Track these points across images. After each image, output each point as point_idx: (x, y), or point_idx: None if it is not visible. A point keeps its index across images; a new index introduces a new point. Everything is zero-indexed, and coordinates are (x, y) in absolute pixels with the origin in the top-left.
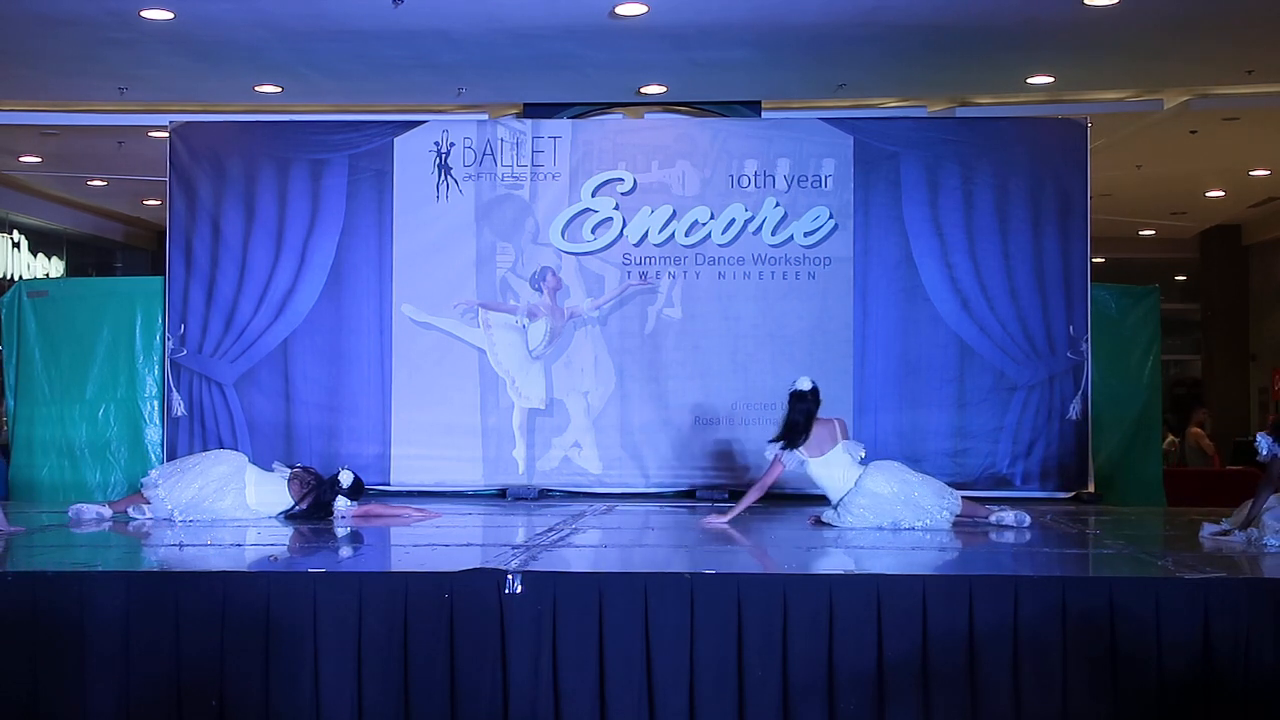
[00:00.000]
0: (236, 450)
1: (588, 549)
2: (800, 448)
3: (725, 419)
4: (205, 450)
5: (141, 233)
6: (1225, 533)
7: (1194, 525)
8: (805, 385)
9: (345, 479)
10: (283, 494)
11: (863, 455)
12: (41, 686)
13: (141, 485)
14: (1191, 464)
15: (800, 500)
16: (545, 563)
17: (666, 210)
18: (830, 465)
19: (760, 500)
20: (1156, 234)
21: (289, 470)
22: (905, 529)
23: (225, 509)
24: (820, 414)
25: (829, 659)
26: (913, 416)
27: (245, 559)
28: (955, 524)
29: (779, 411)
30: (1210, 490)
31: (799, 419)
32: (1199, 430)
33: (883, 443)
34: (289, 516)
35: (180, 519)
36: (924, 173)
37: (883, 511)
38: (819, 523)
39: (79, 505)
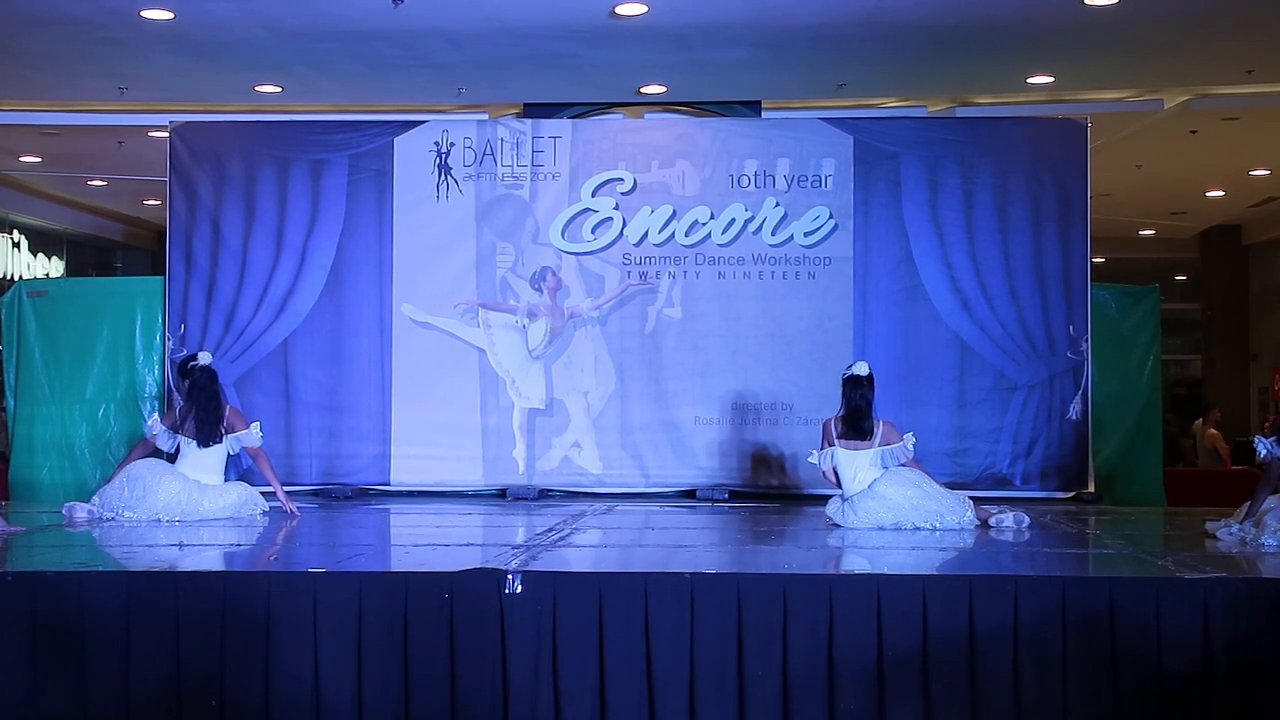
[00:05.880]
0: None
1: (588, 549)
2: (848, 440)
3: (726, 419)
4: None
5: (141, 233)
6: (1225, 526)
7: (1195, 525)
8: (862, 370)
9: (204, 358)
10: (196, 451)
11: (913, 443)
12: (41, 686)
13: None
14: (1204, 464)
15: (810, 500)
16: (545, 563)
17: (666, 210)
18: (855, 462)
19: (768, 499)
20: (1156, 234)
21: (160, 426)
22: (909, 529)
23: (185, 498)
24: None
25: (829, 659)
26: (913, 416)
27: (245, 559)
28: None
29: (779, 412)
30: (1211, 490)
31: (862, 404)
32: (1216, 432)
33: None
34: (203, 436)
35: (165, 520)
36: (924, 173)
37: (891, 513)
38: (830, 522)
39: (71, 504)
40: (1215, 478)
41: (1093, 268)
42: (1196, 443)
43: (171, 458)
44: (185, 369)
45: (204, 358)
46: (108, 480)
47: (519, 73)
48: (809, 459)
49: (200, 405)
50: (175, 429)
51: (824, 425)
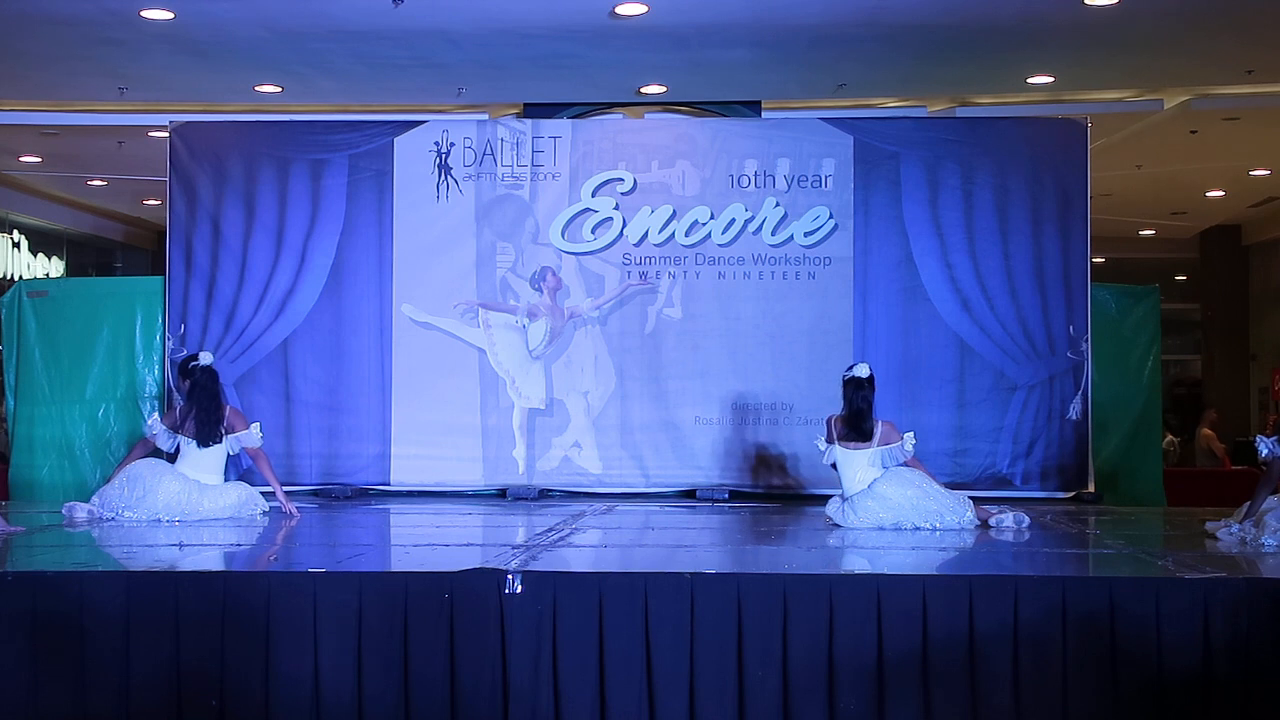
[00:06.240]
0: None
1: (588, 549)
2: (848, 441)
3: (726, 419)
4: None
5: (141, 233)
6: (1225, 526)
7: (1195, 525)
8: (863, 372)
9: (205, 358)
10: (196, 451)
11: (912, 443)
12: (41, 686)
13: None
14: (1201, 465)
15: (810, 500)
16: (545, 563)
17: (666, 210)
18: (855, 462)
19: (768, 499)
20: (1156, 234)
21: (160, 426)
22: (909, 529)
23: (185, 498)
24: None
25: (829, 659)
26: (913, 416)
27: (245, 559)
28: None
29: (779, 412)
30: (1211, 490)
31: (863, 406)
32: (1210, 432)
33: None
34: (203, 435)
35: (165, 519)
36: (924, 173)
37: (890, 513)
38: (830, 522)
39: (72, 504)
40: (1215, 478)
41: (1093, 268)
42: (1193, 443)
43: (171, 458)
44: (186, 369)
45: (205, 358)
46: (107, 480)
47: (519, 73)
48: (816, 443)
49: (200, 405)
50: (175, 429)
51: (827, 421)
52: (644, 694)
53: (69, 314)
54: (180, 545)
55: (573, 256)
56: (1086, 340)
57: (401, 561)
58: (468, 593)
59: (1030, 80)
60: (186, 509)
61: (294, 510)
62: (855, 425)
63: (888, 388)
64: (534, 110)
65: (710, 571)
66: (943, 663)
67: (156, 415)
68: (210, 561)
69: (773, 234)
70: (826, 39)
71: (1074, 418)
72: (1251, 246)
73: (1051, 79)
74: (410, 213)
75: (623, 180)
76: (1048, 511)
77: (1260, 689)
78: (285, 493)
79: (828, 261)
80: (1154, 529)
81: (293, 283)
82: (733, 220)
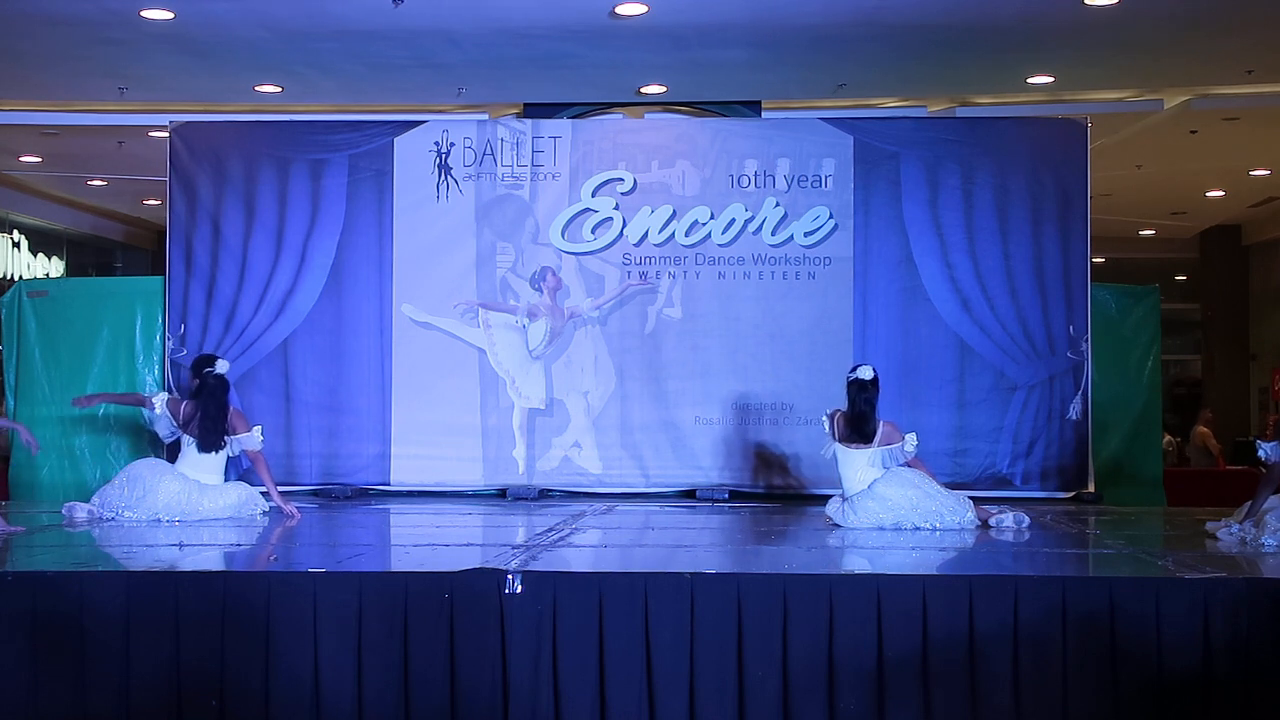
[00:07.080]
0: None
1: (588, 549)
2: (850, 441)
3: (726, 419)
4: None
5: (141, 233)
6: (1225, 526)
7: (1195, 525)
8: (867, 374)
9: (222, 366)
10: (196, 454)
11: (914, 444)
12: (41, 686)
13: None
14: (1195, 463)
15: (811, 500)
16: (545, 563)
17: (666, 210)
18: (855, 462)
19: (768, 499)
20: (1156, 234)
21: (165, 411)
22: (909, 529)
23: (185, 498)
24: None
25: (829, 659)
26: (913, 416)
27: (245, 559)
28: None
29: (779, 412)
30: (1211, 490)
31: (866, 409)
32: (1205, 430)
33: None
34: (206, 435)
35: (165, 519)
36: (924, 172)
37: (890, 513)
38: (830, 522)
39: (71, 504)
40: (1213, 477)
41: (1093, 268)
42: (1188, 442)
43: (170, 451)
44: (199, 370)
45: (222, 366)
46: (91, 398)
47: (519, 73)
48: (823, 421)
49: (206, 413)
50: (178, 421)
51: (831, 415)
52: (644, 694)
53: (69, 314)
54: (180, 545)
55: (573, 256)
56: (1086, 340)
57: (401, 561)
58: (468, 593)
59: (1030, 80)
60: (186, 509)
61: (294, 511)
62: (857, 427)
63: (888, 388)
64: (534, 110)
65: (710, 571)
66: (943, 663)
67: (164, 394)
68: (210, 561)
69: (773, 234)
70: (826, 39)
71: (1074, 418)
72: (1251, 246)
73: (1051, 79)
74: (410, 213)
75: (623, 180)
76: (1048, 511)
77: (1260, 689)
78: (283, 494)
79: (828, 261)
80: (1154, 529)
81: (293, 283)
82: (733, 220)
